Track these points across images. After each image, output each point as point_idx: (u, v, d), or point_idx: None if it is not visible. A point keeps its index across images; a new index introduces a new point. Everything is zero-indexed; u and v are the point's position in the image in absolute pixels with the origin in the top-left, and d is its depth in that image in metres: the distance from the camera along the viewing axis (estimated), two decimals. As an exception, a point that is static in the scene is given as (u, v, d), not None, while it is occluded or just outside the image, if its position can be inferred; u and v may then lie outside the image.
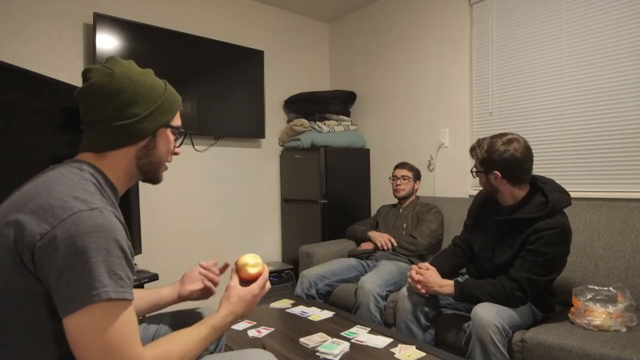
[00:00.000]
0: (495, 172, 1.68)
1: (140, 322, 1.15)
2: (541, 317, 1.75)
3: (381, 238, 2.55)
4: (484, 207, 1.89)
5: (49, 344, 0.76)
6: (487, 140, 1.72)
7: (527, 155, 1.66)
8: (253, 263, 1.08)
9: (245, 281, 1.06)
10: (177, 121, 1.00)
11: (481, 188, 1.86)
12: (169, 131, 0.98)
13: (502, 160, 1.66)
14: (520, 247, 1.66)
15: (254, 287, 1.06)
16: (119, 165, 0.92)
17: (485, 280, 1.68)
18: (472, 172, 1.81)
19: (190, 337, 0.92)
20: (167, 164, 1.02)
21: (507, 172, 1.67)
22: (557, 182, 1.74)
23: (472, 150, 1.77)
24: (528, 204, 1.68)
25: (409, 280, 1.83)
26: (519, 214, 1.68)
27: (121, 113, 0.89)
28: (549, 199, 1.64)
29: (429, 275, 1.79)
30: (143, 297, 1.19)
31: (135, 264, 2.42)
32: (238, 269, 1.08)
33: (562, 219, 1.63)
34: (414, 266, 1.86)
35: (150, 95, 0.92)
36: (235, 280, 1.06)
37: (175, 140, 1.01)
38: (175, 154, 1.03)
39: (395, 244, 2.51)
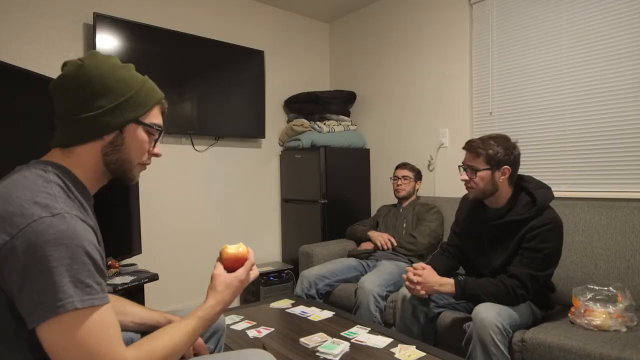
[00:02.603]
0: (505, 167, 1.68)
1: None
2: (541, 317, 1.75)
3: (381, 238, 2.55)
4: (472, 213, 1.87)
5: (24, 349, 0.75)
6: (494, 136, 1.72)
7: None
8: (234, 246, 1.03)
9: (231, 269, 1.02)
10: (152, 118, 0.93)
11: (466, 192, 1.83)
12: (140, 128, 0.91)
13: (513, 157, 1.69)
14: (517, 247, 1.67)
15: (240, 272, 1.02)
16: (86, 162, 0.88)
17: (486, 279, 1.68)
18: (465, 169, 1.74)
19: (177, 332, 0.89)
20: (146, 163, 0.96)
21: (514, 169, 1.70)
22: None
23: (476, 146, 1.69)
24: (516, 205, 1.70)
25: (407, 283, 1.77)
26: (512, 216, 1.69)
27: (86, 105, 0.85)
28: (536, 196, 1.66)
29: (426, 274, 1.74)
30: (138, 315, 1.13)
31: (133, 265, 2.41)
32: (221, 255, 1.03)
33: (552, 214, 1.66)
34: (409, 268, 1.80)
35: (118, 88, 0.87)
36: (219, 268, 1.02)
37: (152, 139, 0.95)
38: (155, 155, 0.97)
39: (395, 244, 2.51)
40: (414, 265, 1.81)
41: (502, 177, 1.69)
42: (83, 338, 0.72)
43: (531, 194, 1.68)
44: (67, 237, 0.72)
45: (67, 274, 0.71)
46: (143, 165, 0.96)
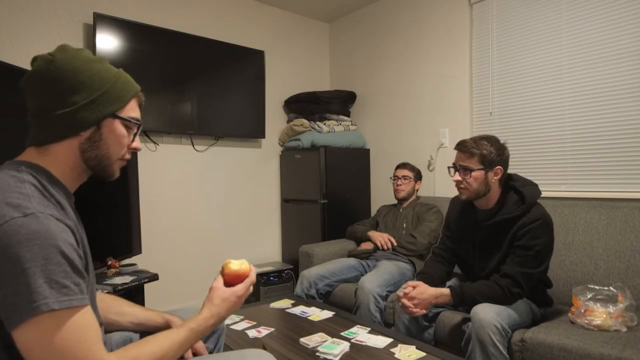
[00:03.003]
0: (498, 167, 1.70)
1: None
2: (540, 315, 1.75)
3: (381, 238, 2.55)
4: (461, 215, 1.88)
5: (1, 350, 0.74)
6: (487, 139, 1.72)
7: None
8: (238, 262, 1.03)
9: (230, 284, 1.01)
10: (130, 112, 0.91)
11: (457, 193, 1.82)
12: (118, 122, 0.89)
13: (505, 158, 1.71)
14: (509, 246, 1.68)
15: (239, 287, 1.00)
16: (63, 160, 0.85)
17: (480, 282, 1.68)
18: (457, 170, 1.72)
19: (166, 340, 0.88)
20: (125, 158, 0.94)
21: (505, 170, 1.72)
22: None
23: (469, 146, 1.69)
24: (505, 204, 1.71)
25: (403, 310, 1.72)
26: (500, 216, 1.69)
27: (60, 102, 0.82)
28: (524, 194, 1.68)
29: (419, 292, 1.70)
30: (135, 315, 1.12)
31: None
32: (223, 270, 1.03)
33: (541, 210, 1.67)
34: (399, 293, 1.74)
35: (92, 83, 0.84)
36: (219, 281, 1.01)
37: (130, 133, 0.92)
38: (135, 149, 0.95)
39: (395, 244, 2.51)
40: (404, 286, 1.76)
41: (495, 177, 1.71)
42: (61, 340, 0.71)
43: (519, 192, 1.70)
44: (41, 237, 0.70)
45: (41, 274, 0.69)
46: (123, 160, 0.94)
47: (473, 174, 1.68)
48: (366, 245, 2.62)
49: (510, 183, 1.75)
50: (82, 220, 0.95)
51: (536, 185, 1.75)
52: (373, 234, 2.63)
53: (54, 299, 0.70)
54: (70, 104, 0.83)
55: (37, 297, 0.68)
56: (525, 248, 1.62)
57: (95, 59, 0.88)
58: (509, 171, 1.78)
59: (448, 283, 1.90)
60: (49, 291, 0.69)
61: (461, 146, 1.72)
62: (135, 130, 0.93)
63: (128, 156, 0.95)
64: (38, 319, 0.69)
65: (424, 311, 1.72)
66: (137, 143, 0.94)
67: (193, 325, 0.93)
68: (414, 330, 1.83)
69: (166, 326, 1.12)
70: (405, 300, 1.71)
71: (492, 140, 1.72)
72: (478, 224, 1.77)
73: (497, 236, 1.71)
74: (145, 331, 1.11)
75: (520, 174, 1.83)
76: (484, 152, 1.67)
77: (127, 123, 0.91)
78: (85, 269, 0.79)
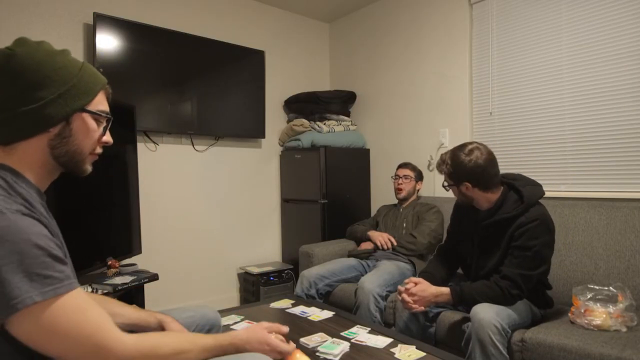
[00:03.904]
0: (466, 183, 1.72)
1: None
2: (540, 316, 1.75)
3: (381, 237, 2.55)
4: (464, 214, 1.89)
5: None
6: (450, 154, 1.76)
7: (490, 160, 1.70)
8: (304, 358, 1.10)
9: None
10: (98, 105, 0.89)
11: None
12: (87, 117, 0.87)
13: (467, 170, 1.69)
14: (507, 246, 1.68)
15: (277, 342, 1.05)
16: (31, 158, 0.82)
17: (480, 283, 1.68)
18: (443, 186, 1.82)
19: (187, 339, 0.89)
20: (97, 153, 0.92)
21: (476, 180, 1.70)
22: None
23: (439, 166, 1.81)
24: (505, 204, 1.71)
25: (402, 305, 1.74)
26: (499, 216, 1.70)
27: (25, 97, 0.79)
28: (523, 194, 1.68)
29: (420, 289, 1.71)
30: (127, 315, 1.11)
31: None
32: (290, 354, 1.09)
33: (540, 210, 1.66)
34: (400, 287, 1.76)
35: (58, 77, 0.81)
36: (268, 329, 1.08)
37: (100, 126, 0.90)
38: (105, 143, 0.92)
39: (395, 244, 2.51)
40: (405, 281, 1.78)
41: (467, 190, 1.73)
42: (59, 327, 0.71)
43: (519, 192, 1.70)
44: (10, 233, 0.69)
45: (18, 270, 0.69)
46: (94, 155, 0.92)
47: (450, 188, 1.81)
48: (366, 245, 2.62)
49: (512, 183, 1.75)
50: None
51: (539, 185, 1.74)
52: (373, 233, 2.63)
53: (37, 292, 0.69)
54: (37, 100, 0.80)
55: (17, 293, 0.68)
56: (522, 248, 1.62)
57: (58, 52, 0.85)
58: (513, 171, 1.80)
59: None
60: (29, 285, 0.69)
61: (436, 165, 1.86)
62: (105, 124, 0.91)
63: (99, 150, 0.93)
64: (24, 312, 0.69)
65: (423, 308, 1.72)
66: (107, 137, 0.92)
67: (219, 337, 0.96)
68: (414, 329, 1.83)
69: (159, 326, 1.11)
70: (405, 296, 1.72)
71: (452, 155, 1.75)
72: (478, 223, 1.78)
73: (496, 236, 1.71)
74: (138, 331, 1.10)
75: (510, 172, 1.83)
76: (445, 171, 1.78)
77: (96, 117, 0.89)
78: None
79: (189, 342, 0.90)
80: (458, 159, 1.71)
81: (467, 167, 1.69)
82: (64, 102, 0.82)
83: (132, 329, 1.10)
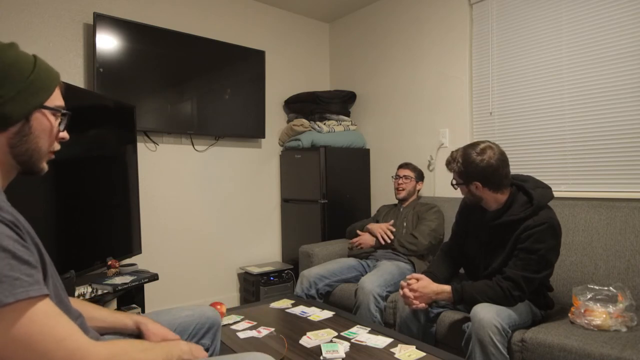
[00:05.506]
0: (476, 182, 1.71)
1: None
2: (540, 317, 1.75)
3: (380, 229, 2.54)
4: (470, 214, 1.88)
5: None
6: (461, 152, 1.73)
7: (502, 161, 1.68)
8: None
9: None
10: (55, 101, 0.86)
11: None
12: (47, 113, 0.84)
13: (479, 170, 1.68)
14: (513, 247, 1.67)
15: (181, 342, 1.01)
16: None
17: (482, 282, 1.68)
18: (452, 184, 1.80)
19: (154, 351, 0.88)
20: (54, 150, 0.90)
21: (486, 180, 1.69)
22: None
23: (449, 164, 1.78)
24: (513, 205, 1.70)
25: (404, 300, 1.76)
26: (507, 217, 1.69)
27: None
28: (532, 196, 1.66)
29: (422, 286, 1.73)
30: (103, 319, 1.10)
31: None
32: None
33: (548, 214, 1.65)
34: (402, 282, 1.78)
35: (14, 73, 0.79)
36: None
37: (58, 122, 0.88)
38: (62, 139, 0.90)
39: (394, 230, 2.51)
40: (407, 277, 1.80)
41: (477, 190, 1.72)
42: (29, 332, 0.69)
43: (528, 194, 1.68)
44: None
45: None
46: (52, 153, 0.90)
47: (459, 187, 1.79)
48: (365, 239, 2.59)
49: (521, 184, 1.73)
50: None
51: (549, 188, 1.73)
52: (372, 225, 2.62)
53: (8, 292, 0.66)
54: None
55: None
56: (528, 251, 1.61)
57: (6, 46, 0.82)
58: (522, 172, 1.80)
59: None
60: None
61: (446, 163, 1.83)
62: (62, 120, 0.89)
63: (57, 147, 0.90)
64: None
65: (424, 305, 1.72)
66: (65, 133, 0.90)
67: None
68: (414, 330, 1.83)
69: (136, 328, 1.11)
70: (406, 291, 1.73)
71: (463, 154, 1.72)
72: (485, 223, 1.77)
73: (503, 236, 1.70)
74: (115, 334, 1.09)
75: (519, 174, 1.82)
76: (455, 169, 1.75)
77: (55, 113, 0.86)
78: (40, 263, 0.76)
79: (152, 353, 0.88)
80: (470, 158, 1.69)
81: (478, 167, 1.67)
82: (24, 100, 0.80)
83: (109, 331, 1.09)
